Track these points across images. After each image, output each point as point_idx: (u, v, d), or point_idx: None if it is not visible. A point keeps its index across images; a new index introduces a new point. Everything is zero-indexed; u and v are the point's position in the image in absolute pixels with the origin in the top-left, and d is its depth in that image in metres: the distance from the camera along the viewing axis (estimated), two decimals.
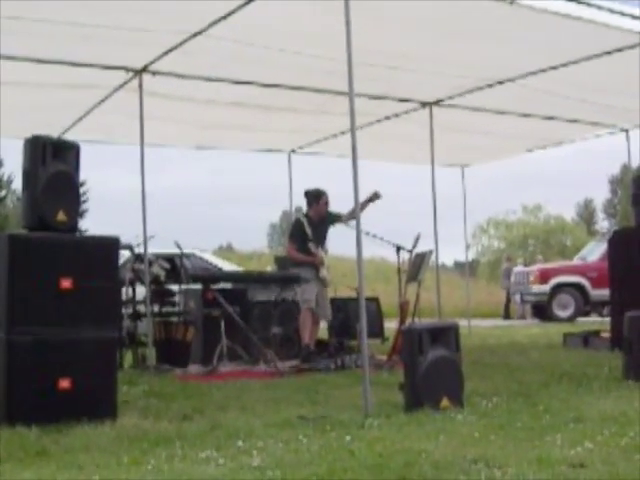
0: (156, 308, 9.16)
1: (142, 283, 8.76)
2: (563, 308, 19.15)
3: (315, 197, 9.11)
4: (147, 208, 8.53)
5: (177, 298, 9.41)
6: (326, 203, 9.09)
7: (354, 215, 6.21)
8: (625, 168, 39.93)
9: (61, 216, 5.23)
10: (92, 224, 39.03)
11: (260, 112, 10.30)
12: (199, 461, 3.89)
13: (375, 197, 8.85)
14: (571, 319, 18.67)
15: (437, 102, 10.55)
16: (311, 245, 8.86)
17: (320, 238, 9.04)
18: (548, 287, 19.19)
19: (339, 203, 9.11)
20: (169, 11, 6.98)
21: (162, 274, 9.16)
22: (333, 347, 9.09)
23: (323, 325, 9.67)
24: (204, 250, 14.08)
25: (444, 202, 11.68)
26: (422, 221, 13.27)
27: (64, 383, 4.96)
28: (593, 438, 4.12)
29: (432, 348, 5.33)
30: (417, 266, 9.05)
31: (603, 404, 5.24)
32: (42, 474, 3.70)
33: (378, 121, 11.12)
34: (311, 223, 8.98)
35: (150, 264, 8.77)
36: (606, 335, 9.60)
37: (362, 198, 8.38)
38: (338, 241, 9.28)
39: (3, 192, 39.46)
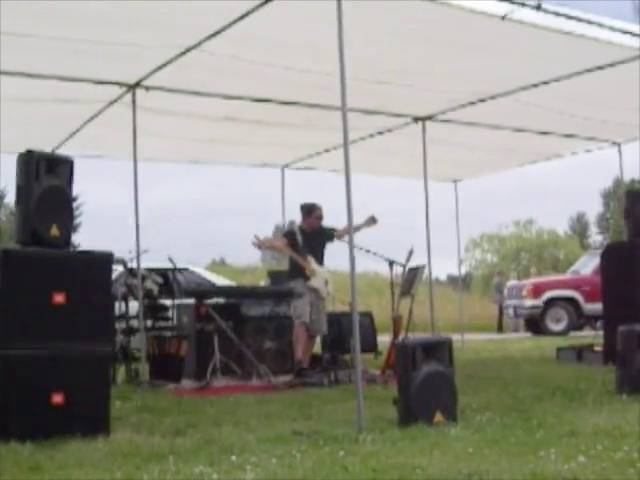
0: (149, 323, 9.14)
1: (135, 298, 8.75)
2: (556, 322, 19.17)
3: (308, 210, 9.14)
4: (140, 222, 8.52)
5: (170, 313, 9.40)
6: (318, 217, 9.11)
7: (347, 231, 6.21)
8: (618, 182, 40.12)
9: (54, 231, 5.22)
10: (85, 238, 38.95)
11: (253, 127, 10.32)
12: (193, 476, 3.87)
13: (371, 222, 9.16)
14: (564, 333, 18.68)
15: (430, 117, 10.59)
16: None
17: (314, 251, 9.03)
18: (541, 301, 19.22)
19: (332, 217, 9.15)
20: (162, 26, 7.01)
21: (155, 289, 9.16)
22: (326, 362, 9.06)
23: (318, 339, 9.64)
24: (197, 264, 14.06)
25: (437, 216, 11.72)
26: (415, 235, 13.30)
27: (57, 398, 4.93)
28: (587, 452, 4.11)
29: (425, 363, 5.33)
30: (410, 280, 9.07)
31: (597, 418, 5.23)
32: None
33: (371, 136, 11.16)
34: (303, 234, 8.99)
35: (143, 279, 8.77)
36: (599, 349, 9.59)
37: (357, 218, 8.46)
38: (331, 255, 9.31)
39: None
